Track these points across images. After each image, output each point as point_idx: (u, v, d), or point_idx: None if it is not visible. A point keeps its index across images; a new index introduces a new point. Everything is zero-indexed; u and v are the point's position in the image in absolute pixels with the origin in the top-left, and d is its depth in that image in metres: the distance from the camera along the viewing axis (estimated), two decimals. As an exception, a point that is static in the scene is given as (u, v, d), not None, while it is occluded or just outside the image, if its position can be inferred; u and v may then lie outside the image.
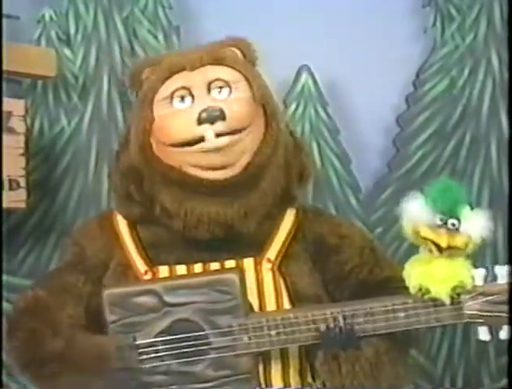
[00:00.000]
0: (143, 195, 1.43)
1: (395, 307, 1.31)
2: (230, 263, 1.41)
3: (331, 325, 1.31)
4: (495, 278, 1.32)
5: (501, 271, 1.31)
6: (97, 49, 2.03)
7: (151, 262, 1.43)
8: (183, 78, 1.40)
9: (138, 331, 1.32)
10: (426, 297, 1.29)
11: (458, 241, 1.27)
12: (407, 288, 1.32)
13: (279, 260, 1.44)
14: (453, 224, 1.27)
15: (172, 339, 1.31)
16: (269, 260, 1.43)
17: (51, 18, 2.02)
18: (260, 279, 1.42)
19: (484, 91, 2.05)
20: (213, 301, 1.31)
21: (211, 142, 1.34)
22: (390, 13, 2.02)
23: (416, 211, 1.28)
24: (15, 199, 1.83)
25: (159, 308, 1.32)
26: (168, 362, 1.31)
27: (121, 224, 1.48)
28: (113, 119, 2.04)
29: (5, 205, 1.79)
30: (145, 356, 1.31)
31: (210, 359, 1.31)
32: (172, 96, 1.39)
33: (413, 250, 2.04)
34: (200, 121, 1.34)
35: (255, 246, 1.43)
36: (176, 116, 1.38)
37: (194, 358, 1.31)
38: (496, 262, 1.87)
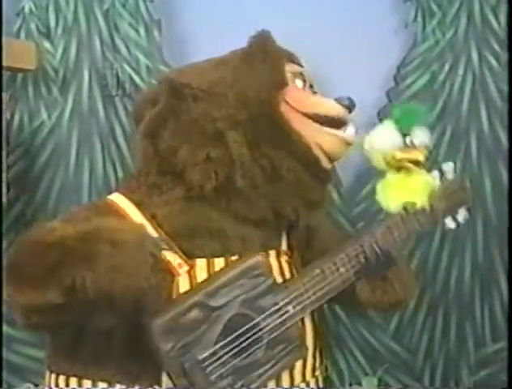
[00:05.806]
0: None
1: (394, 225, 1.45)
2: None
3: (369, 254, 1.39)
4: (443, 175, 1.51)
5: (447, 167, 1.51)
6: (78, 42, 2.01)
7: (185, 254, 1.37)
8: (296, 67, 1.45)
9: (196, 346, 1.30)
10: (410, 210, 1.44)
11: (421, 154, 1.43)
12: None
13: (291, 252, 1.49)
14: (411, 142, 1.42)
15: (231, 339, 1.31)
16: (286, 253, 1.47)
17: (31, 10, 2.00)
18: (282, 271, 1.45)
19: (464, 87, 2.07)
20: (252, 287, 1.34)
21: (352, 134, 1.44)
22: (371, 8, 2.02)
23: (385, 138, 1.42)
24: (-5, 194, 1.82)
25: (208, 316, 1.31)
26: (232, 363, 1.31)
27: (133, 213, 1.38)
28: (94, 113, 2.02)
29: (-16, 200, 1.78)
30: (211, 368, 1.30)
31: (266, 342, 1.34)
32: (295, 76, 1.43)
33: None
34: (342, 104, 1.41)
35: (275, 237, 1.46)
36: (310, 93, 1.45)
37: (253, 348, 1.33)
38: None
